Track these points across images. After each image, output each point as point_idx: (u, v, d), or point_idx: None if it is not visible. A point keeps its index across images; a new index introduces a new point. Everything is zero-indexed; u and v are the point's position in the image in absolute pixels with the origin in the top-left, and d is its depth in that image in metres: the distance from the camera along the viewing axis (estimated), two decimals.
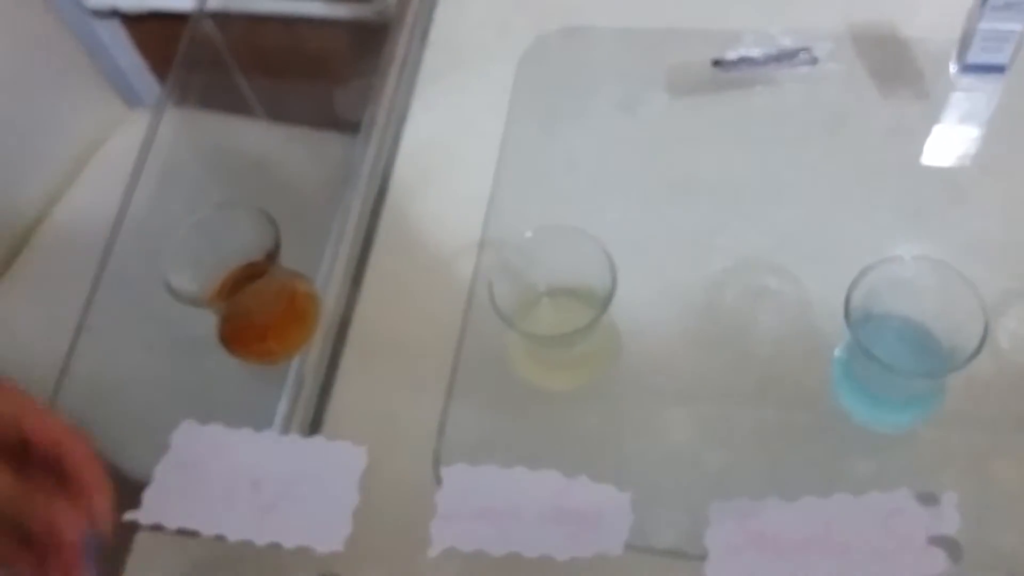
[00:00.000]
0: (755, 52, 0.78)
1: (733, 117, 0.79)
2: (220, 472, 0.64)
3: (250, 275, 0.67)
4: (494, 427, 0.69)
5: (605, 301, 0.60)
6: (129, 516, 0.62)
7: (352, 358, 0.73)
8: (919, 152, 0.75)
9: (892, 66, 0.78)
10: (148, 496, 0.63)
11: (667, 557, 0.62)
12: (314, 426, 0.71)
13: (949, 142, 0.75)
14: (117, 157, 1.10)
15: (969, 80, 0.76)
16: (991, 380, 0.65)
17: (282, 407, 0.72)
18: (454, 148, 0.82)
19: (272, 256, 0.65)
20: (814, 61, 0.77)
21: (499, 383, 0.70)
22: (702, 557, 0.59)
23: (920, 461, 0.63)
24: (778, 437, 0.65)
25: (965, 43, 0.73)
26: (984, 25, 0.71)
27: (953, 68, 0.77)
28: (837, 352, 0.65)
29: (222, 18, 1.00)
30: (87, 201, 1.12)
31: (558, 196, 0.78)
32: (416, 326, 0.74)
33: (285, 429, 0.71)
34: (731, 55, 0.78)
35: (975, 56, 0.73)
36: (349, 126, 0.87)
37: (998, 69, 0.74)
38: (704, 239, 0.73)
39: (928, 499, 0.59)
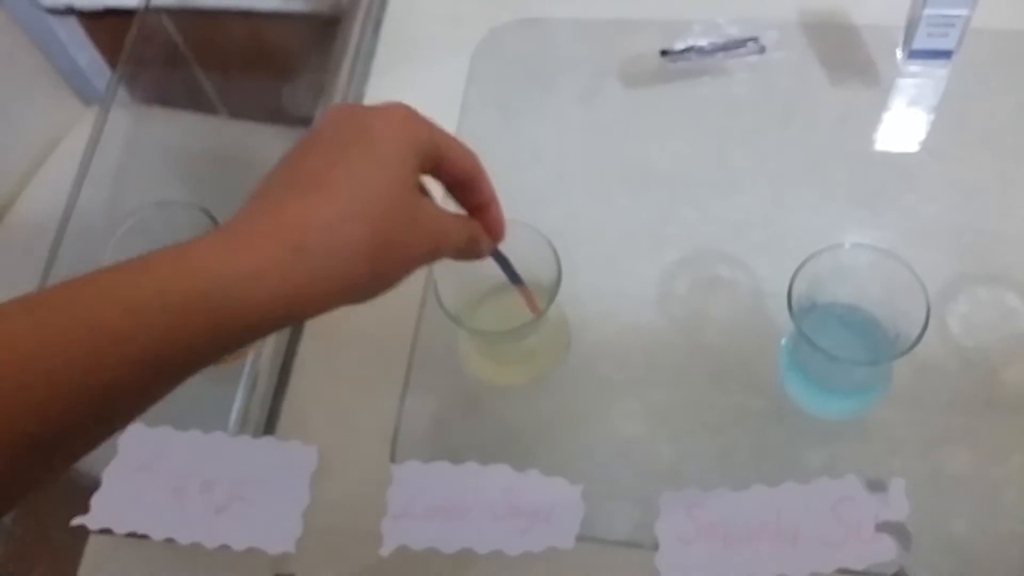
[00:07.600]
0: (703, 42, 0.78)
1: (684, 107, 0.78)
2: (169, 475, 0.63)
3: None
4: (448, 423, 0.69)
5: (551, 294, 0.60)
6: (77, 521, 0.62)
7: (307, 356, 0.73)
8: (869, 139, 0.75)
9: (840, 54, 0.78)
10: (97, 500, 0.63)
11: (619, 548, 0.62)
12: (269, 425, 0.70)
13: (898, 128, 0.75)
14: (74, 155, 1.09)
15: (917, 66, 0.76)
16: (941, 364, 0.65)
17: (237, 407, 0.72)
18: None
19: None
20: (762, 50, 0.77)
21: (454, 379, 0.70)
22: (654, 547, 0.60)
23: (871, 447, 0.63)
24: (730, 426, 0.65)
25: (911, 29, 0.73)
26: (929, 11, 0.71)
27: (900, 54, 0.77)
28: (783, 341, 0.65)
29: (177, 13, 0.99)
30: (43, 200, 1.10)
31: (511, 188, 0.77)
32: (371, 323, 0.73)
33: (240, 429, 0.70)
34: (678, 45, 0.78)
35: (921, 42, 0.73)
36: (304, 121, 0.86)
37: (944, 55, 0.74)
38: (656, 229, 0.73)
39: (876, 486, 0.60)
